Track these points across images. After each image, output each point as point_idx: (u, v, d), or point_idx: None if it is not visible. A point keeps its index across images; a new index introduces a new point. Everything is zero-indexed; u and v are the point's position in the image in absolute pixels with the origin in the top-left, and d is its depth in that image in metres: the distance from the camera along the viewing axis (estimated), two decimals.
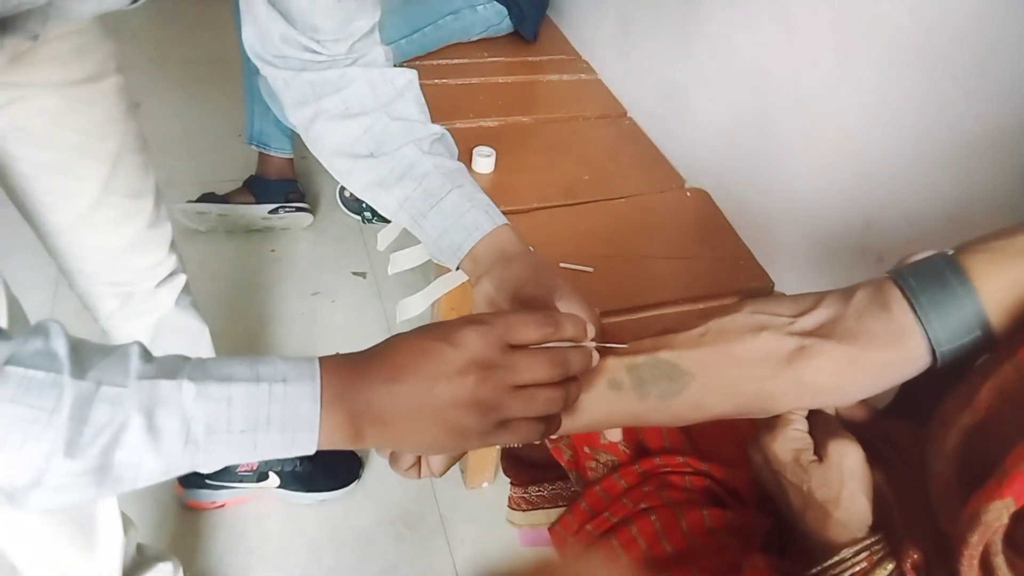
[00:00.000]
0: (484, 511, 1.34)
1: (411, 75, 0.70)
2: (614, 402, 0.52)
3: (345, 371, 0.45)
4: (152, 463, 0.41)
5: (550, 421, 0.48)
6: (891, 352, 0.46)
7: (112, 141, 0.82)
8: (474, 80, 1.48)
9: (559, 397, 0.47)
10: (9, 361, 0.39)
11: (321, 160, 0.70)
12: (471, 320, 0.46)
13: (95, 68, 0.77)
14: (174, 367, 0.42)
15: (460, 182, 0.66)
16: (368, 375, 0.45)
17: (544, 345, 0.47)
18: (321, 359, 0.45)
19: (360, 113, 0.67)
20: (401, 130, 0.67)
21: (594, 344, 0.50)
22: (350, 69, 0.67)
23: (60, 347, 0.40)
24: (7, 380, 0.38)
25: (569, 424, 0.52)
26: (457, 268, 0.66)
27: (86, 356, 0.41)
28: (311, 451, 0.44)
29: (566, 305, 0.57)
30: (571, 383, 0.48)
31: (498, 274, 0.62)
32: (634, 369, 0.52)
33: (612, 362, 0.53)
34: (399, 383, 0.44)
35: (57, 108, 0.75)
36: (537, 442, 0.56)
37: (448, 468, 0.55)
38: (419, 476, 0.54)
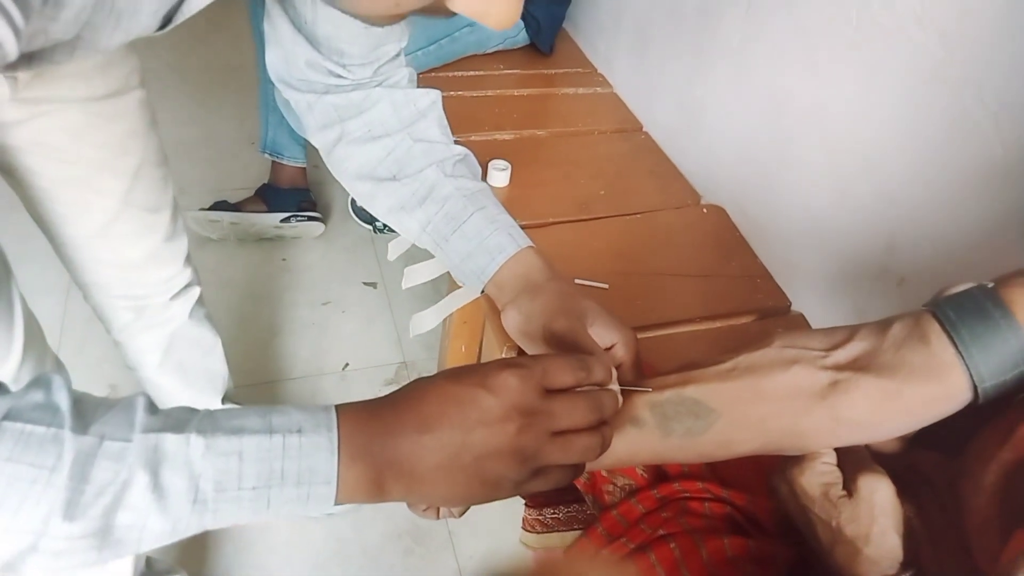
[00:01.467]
0: (493, 527, 1.32)
1: (434, 96, 0.69)
2: (637, 440, 0.51)
3: (367, 421, 0.42)
4: (157, 524, 0.39)
5: (579, 466, 0.47)
6: (931, 387, 0.45)
7: (133, 156, 0.81)
8: (490, 93, 1.48)
9: (596, 444, 0.45)
10: (7, 416, 0.37)
11: (343, 183, 0.69)
12: (508, 364, 0.44)
13: (118, 83, 0.77)
14: (181, 419, 0.40)
15: (483, 204, 0.65)
16: (394, 425, 0.42)
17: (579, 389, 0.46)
18: (339, 407, 0.43)
19: (383, 135, 0.66)
20: (423, 152, 0.66)
21: (619, 387, 0.49)
22: (374, 91, 0.66)
23: (62, 400, 0.38)
24: (4, 436, 0.36)
25: (592, 463, 0.50)
26: (483, 292, 0.64)
27: (89, 409, 0.39)
28: (329, 508, 0.41)
29: (600, 330, 0.56)
30: (604, 427, 0.46)
31: (526, 306, 0.60)
32: (657, 407, 0.51)
33: (635, 399, 0.52)
34: (430, 433, 0.42)
35: (79, 123, 0.75)
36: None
37: (467, 510, 0.54)
38: (437, 517, 0.52)
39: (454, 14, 0.45)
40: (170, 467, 0.38)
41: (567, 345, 0.56)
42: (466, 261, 0.64)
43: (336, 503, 0.42)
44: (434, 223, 0.65)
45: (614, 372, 0.49)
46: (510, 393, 0.43)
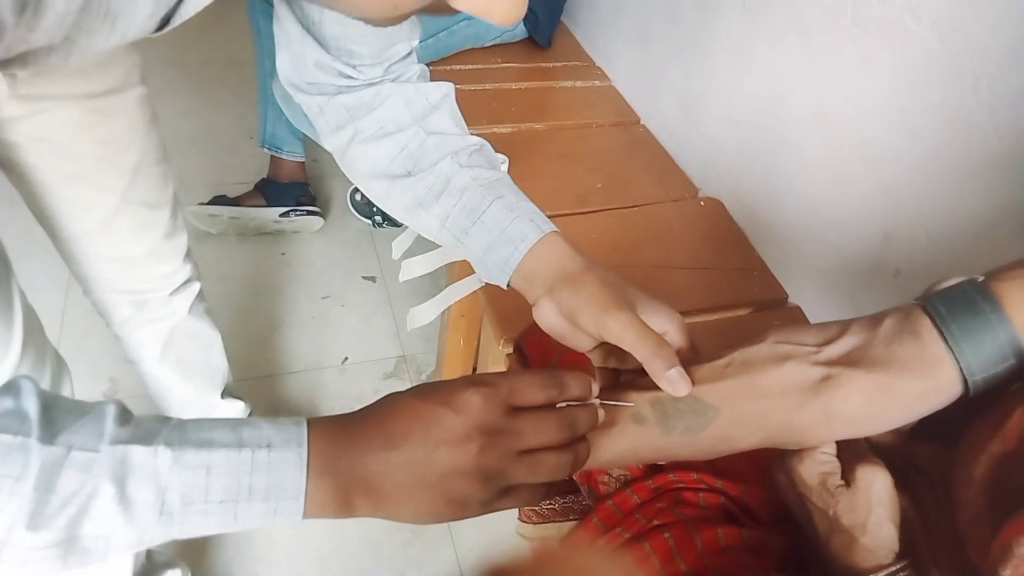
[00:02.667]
0: (492, 519, 1.32)
1: (447, 88, 0.67)
2: (638, 437, 0.51)
3: (336, 436, 0.42)
4: (123, 535, 0.38)
5: (553, 483, 0.46)
6: (922, 381, 0.45)
7: (133, 152, 0.81)
8: (488, 86, 1.48)
9: (567, 462, 0.45)
10: None
11: (359, 185, 0.67)
12: (473, 382, 0.44)
13: (119, 80, 0.76)
14: (151, 431, 0.40)
15: (501, 192, 0.61)
16: (361, 441, 0.42)
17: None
18: (310, 421, 0.42)
19: (396, 131, 0.64)
20: (437, 144, 0.64)
21: (599, 401, 0.48)
22: (384, 87, 0.64)
23: (31, 407, 0.38)
24: None
25: (594, 460, 0.51)
26: (508, 286, 0.60)
27: (58, 417, 0.39)
28: (296, 521, 0.41)
29: (651, 318, 0.53)
30: (579, 444, 0.46)
31: (567, 299, 0.55)
32: (658, 403, 0.51)
33: (636, 397, 0.52)
34: (395, 451, 0.42)
35: (79, 119, 0.75)
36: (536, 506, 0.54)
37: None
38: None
39: (456, 12, 0.44)
40: (137, 479, 0.38)
41: (631, 344, 0.52)
42: (488, 253, 0.59)
43: (304, 517, 0.41)
44: (453, 217, 0.61)
45: (595, 387, 0.48)
46: (472, 412, 0.42)
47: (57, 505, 0.37)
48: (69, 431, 0.38)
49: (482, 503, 0.43)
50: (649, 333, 0.51)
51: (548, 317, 0.57)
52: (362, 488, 0.42)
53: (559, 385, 0.46)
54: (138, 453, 0.39)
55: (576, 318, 0.55)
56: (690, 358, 0.54)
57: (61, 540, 0.37)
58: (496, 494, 0.43)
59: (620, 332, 0.52)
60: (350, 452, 0.42)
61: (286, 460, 0.40)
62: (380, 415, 0.44)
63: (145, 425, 0.40)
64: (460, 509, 0.43)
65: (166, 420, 0.41)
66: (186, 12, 0.49)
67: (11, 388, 0.39)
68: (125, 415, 0.41)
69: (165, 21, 0.50)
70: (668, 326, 0.54)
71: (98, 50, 0.46)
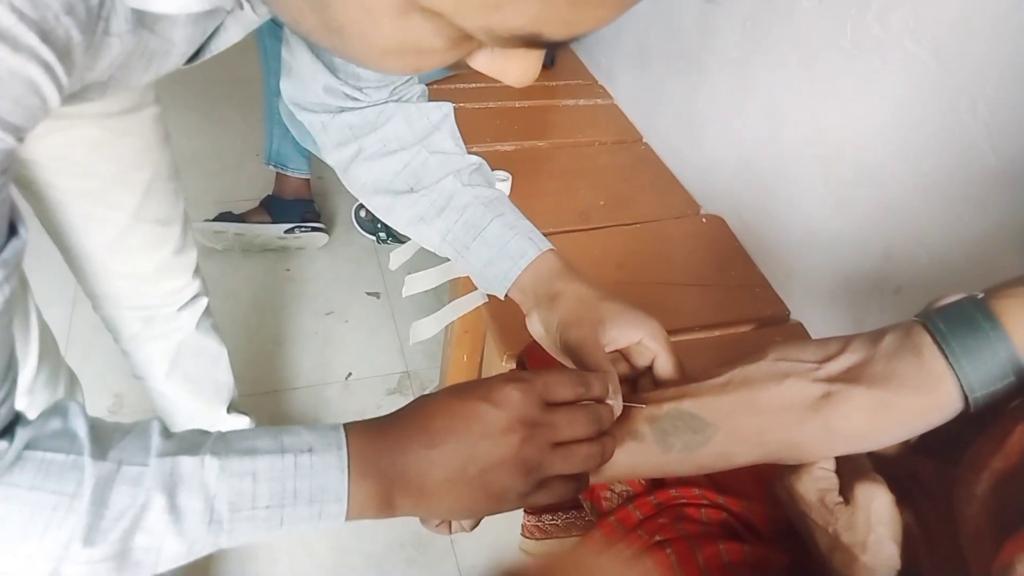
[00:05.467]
0: (495, 535, 1.32)
1: (446, 108, 0.69)
2: (638, 454, 0.52)
3: (375, 438, 0.43)
4: (173, 545, 0.40)
5: (581, 479, 0.48)
6: (922, 397, 0.45)
7: (146, 170, 0.82)
8: (491, 104, 1.49)
9: (597, 452, 0.46)
10: (28, 445, 0.38)
11: (360, 198, 0.69)
12: (511, 378, 0.45)
13: (134, 100, 0.78)
14: (195, 442, 0.41)
15: (501, 211, 0.65)
16: (402, 442, 0.43)
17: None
18: (347, 426, 0.44)
19: (398, 149, 0.66)
20: (439, 163, 0.67)
21: (615, 403, 0.50)
22: (387, 106, 0.66)
23: (79, 427, 0.39)
24: (27, 466, 0.37)
25: (595, 475, 0.52)
26: (505, 297, 0.64)
27: (105, 435, 0.40)
28: (340, 522, 0.42)
29: (622, 330, 0.56)
30: (606, 438, 0.48)
31: (544, 314, 0.60)
32: (655, 421, 0.52)
33: (633, 415, 0.53)
34: (437, 448, 0.43)
35: (95, 138, 0.76)
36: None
37: (479, 523, 0.54)
38: (450, 532, 0.53)
39: (471, 69, 0.47)
40: (186, 489, 0.39)
41: (579, 358, 0.55)
42: (488, 267, 0.63)
43: (347, 519, 0.42)
44: (454, 232, 0.65)
45: (611, 388, 0.50)
46: (513, 406, 0.44)
47: (111, 519, 0.38)
48: (118, 447, 0.39)
49: (520, 496, 0.44)
50: (596, 359, 0.54)
51: (536, 329, 0.61)
52: (403, 487, 0.43)
53: (585, 383, 0.48)
54: (186, 463, 0.40)
55: (548, 333, 0.59)
56: (671, 365, 0.57)
57: (115, 553, 0.38)
58: (533, 486, 0.45)
59: (574, 350, 0.55)
60: (390, 452, 0.43)
61: (327, 463, 0.42)
62: (417, 415, 0.45)
63: (189, 438, 0.42)
64: (499, 502, 0.44)
65: (207, 433, 0.43)
66: (216, 48, 0.51)
67: (58, 410, 0.40)
68: (167, 430, 0.42)
69: (194, 55, 0.51)
70: (641, 335, 0.57)
71: (132, 86, 0.47)
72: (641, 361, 0.59)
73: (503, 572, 0.39)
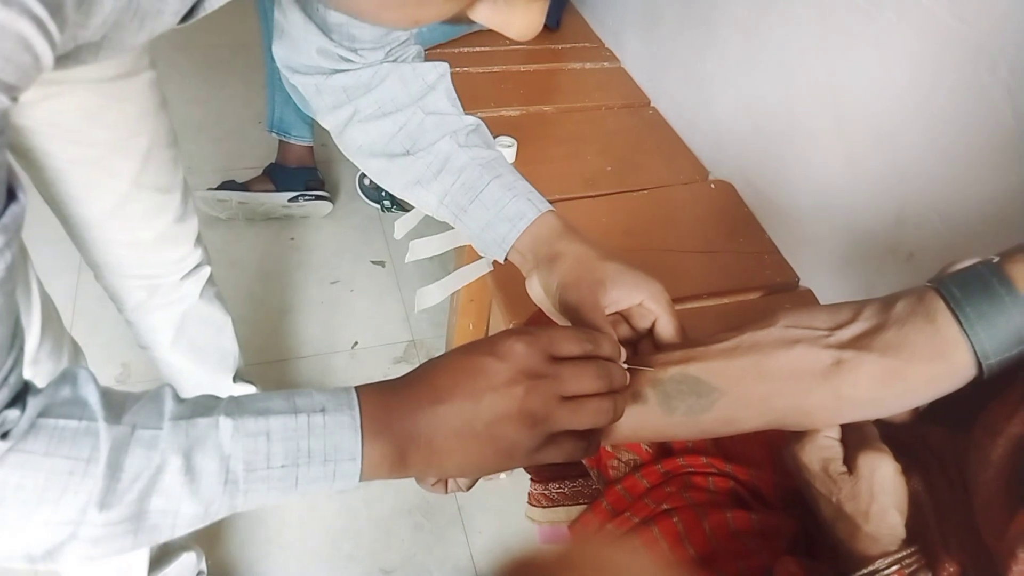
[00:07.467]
0: (502, 502, 1.34)
1: (442, 68, 0.68)
2: (640, 418, 0.51)
3: (385, 398, 0.44)
4: (190, 508, 0.40)
5: (592, 438, 0.47)
6: (935, 365, 0.44)
7: (144, 136, 0.82)
8: (496, 68, 1.46)
9: (608, 407, 0.46)
10: (41, 414, 0.38)
11: (356, 162, 0.68)
12: (515, 332, 0.45)
13: (130, 64, 0.76)
14: (208, 405, 0.42)
15: (499, 172, 0.63)
16: (410, 400, 0.44)
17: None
18: (358, 388, 0.44)
19: (393, 111, 0.65)
20: (435, 124, 0.65)
21: (625, 365, 0.49)
22: (381, 67, 0.65)
23: (90, 394, 0.39)
24: (40, 433, 0.37)
25: None
26: (505, 260, 0.63)
27: (117, 401, 0.40)
28: (354, 483, 0.43)
29: (623, 291, 0.55)
30: (616, 395, 0.47)
31: (544, 276, 0.59)
32: (658, 385, 0.51)
33: (637, 377, 0.52)
34: (443, 404, 0.43)
35: (91, 104, 0.75)
36: (580, 460, 0.55)
37: (475, 483, 0.54)
38: (446, 491, 0.53)
39: (473, 23, 0.46)
40: (201, 450, 0.40)
41: (578, 320, 0.55)
42: (486, 230, 0.62)
43: (361, 479, 0.43)
44: (451, 194, 0.63)
45: (623, 351, 0.49)
46: (516, 358, 0.44)
47: (127, 481, 0.38)
48: (131, 412, 0.40)
49: (528, 450, 0.44)
50: (596, 320, 0.53)
51: (535, 292, 0.60)
52: (414, 445, 0.43)
53: (593, 340, 0.47)
54: (200, 425, 0.40)
55: (548, 295, 0.58)
56: (672, 328, 0.56)
57: (131, 515, 0.39)
58: (541, 440, 0.44)
59: (573, 311, 0.55)
60: (400, 412, 0.43)
61: (340, 423, 0.42)
62: (426, 375, 0.45)
63: (202, 402, 0.42)
64: (507, 457, 0.44)
65: (219, 397, 0.43)
66: (210, 6, 0.50)
67: (67, 377, 0.40)
68: (179, 396, 0.42)
69: (187, 14, 0.50)
70: (642, 296, 0.56)
71: (126, 48, 0.47)
72: (642, 323, 0.58)
73: (514, 562, 0.38)
